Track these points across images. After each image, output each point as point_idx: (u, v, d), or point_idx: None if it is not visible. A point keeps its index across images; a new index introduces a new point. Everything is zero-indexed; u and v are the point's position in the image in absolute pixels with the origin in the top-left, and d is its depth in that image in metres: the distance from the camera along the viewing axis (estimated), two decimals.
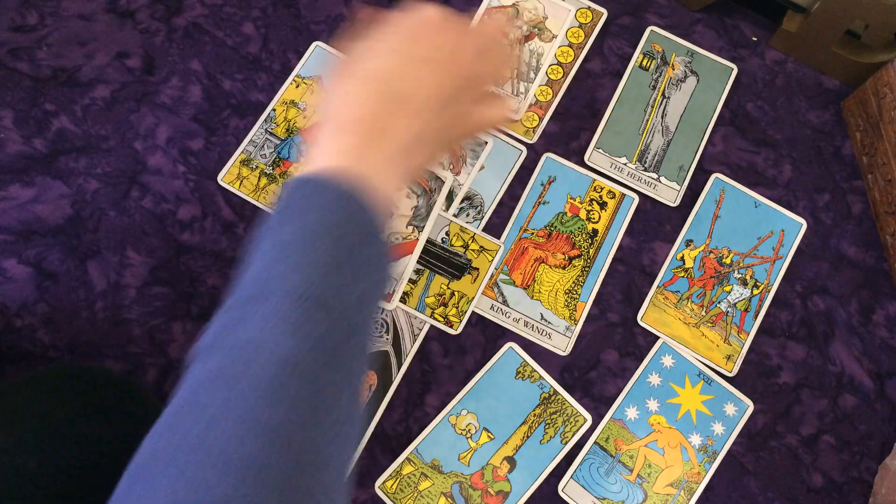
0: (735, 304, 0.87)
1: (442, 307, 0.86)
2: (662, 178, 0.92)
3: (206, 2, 0.94)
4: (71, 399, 0.60)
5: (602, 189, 0.91)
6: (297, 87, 0.92)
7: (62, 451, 0.56)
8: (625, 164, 0.92)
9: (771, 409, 0.85)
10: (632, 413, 0.84)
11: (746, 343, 0.86)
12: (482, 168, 0.91)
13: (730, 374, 0.85)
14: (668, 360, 0.86)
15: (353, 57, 0.53)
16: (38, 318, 0.83)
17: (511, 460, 0.82)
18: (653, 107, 0.94)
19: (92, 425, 0.59)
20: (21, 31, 0.91)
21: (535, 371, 0.85)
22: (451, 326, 0.85)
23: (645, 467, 0.82)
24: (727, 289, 0.88)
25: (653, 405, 0.84)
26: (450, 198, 0.89)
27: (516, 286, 0.87)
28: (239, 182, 0.88)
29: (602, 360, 0.86)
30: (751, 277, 0.88)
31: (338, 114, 0.51)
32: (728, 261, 0.89)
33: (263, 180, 0.89)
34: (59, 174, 0.87)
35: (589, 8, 0.97)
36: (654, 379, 0.85)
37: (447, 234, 0.88)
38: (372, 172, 0.48)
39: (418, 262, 0.87)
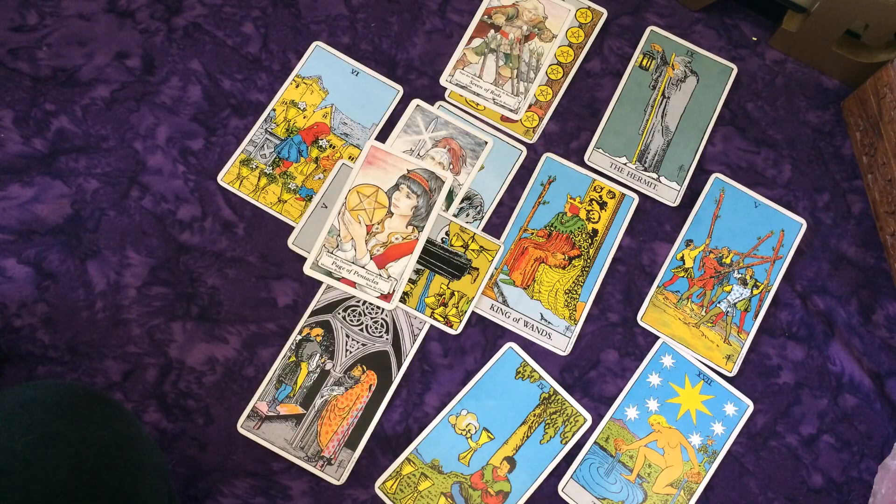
0: (735, 304, 0.87)
1: (442, 307, 0.86)
2: (662, 178, 0.92)
3: (206, 2, 0.94)
4: (28, 428, 0.56)
5: (602, 189, 0.91)
6: (297, 86, 0.92)
7: (18, 485, 0.53)
8: (625, 164, 0.92)
9: (771, 409, 0.85)
10: (632, 413, 0.84)
11: (746, 343, 0.86)
12: (482, 168, 0.91)
13: (730, 374, 0.85)
14: (668, 360, 0.86)
15: None
16: (38, 318, 0.82)
17: (511, 460, 0.82)
18: (653, 107, 0.94)
19: (50, 457, 0.55)
20: (21, 31, 0.91)
21: (535, 371, 0.85)
22: (451, 326, 0.85)
23: (645, 467, 0.82)
24: (727, 289, 0.88)
25: (653, 405, 0.84)
26: (450, 198, 0.89)
27: (516, 286, 0.87)
28: (239, 182, 0.88)
29: (602, 360, 0.86)
30: (751, 277, 0.88)
31: None
32: (728, 261, 0.89)
33: (263, 180, 0.89)
34: (59, 174, 0.87)
35: (589, 8, 0.97)
36: (654, 379, 0.85)
37: (447, 234, 0.88)
38: None
39: (418, 262, 0.87)
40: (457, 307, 0.86)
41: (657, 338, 0.87)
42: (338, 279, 0.85)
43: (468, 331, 0.86)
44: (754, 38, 0.98)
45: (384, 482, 0.81)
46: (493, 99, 0.93)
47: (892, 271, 0.90)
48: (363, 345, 0.84)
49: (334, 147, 0.91)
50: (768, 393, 0.86)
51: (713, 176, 0.91)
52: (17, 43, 0.91)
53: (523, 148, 0.92)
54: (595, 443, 0.83)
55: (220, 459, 0.81)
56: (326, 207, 0.88)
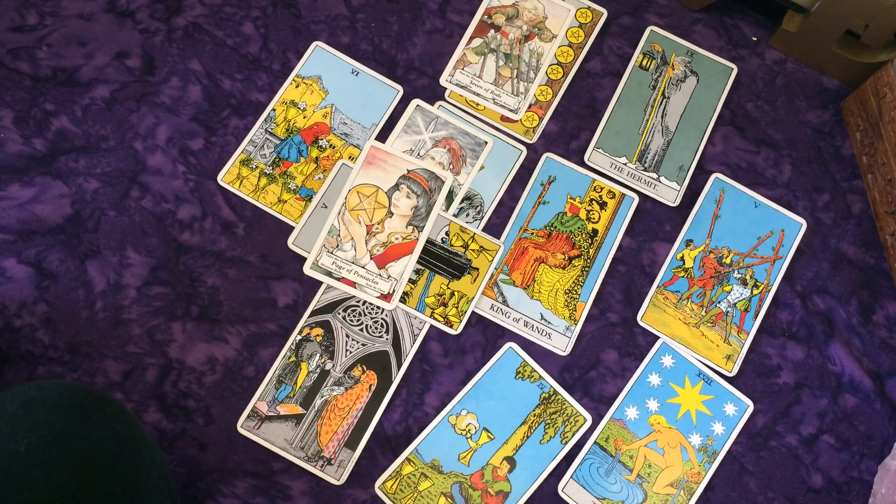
0: (735, 304, 0.87)
1: (442, 307, 0.86)
2: (662, 178, 0.92)
3: (206, 1, 0.94)
4: (30, 429, 0.56)
5: (602, 189, 0.91)
6: (297, 86, 0.92)
7: (21, 486, 0.53)
8: (625, 164, 0.92)
9: (771, 409, 0.85)
10: (632, 413, 0.84)
11: (746, 343, 0.86)
12: (482, 168, 0.91)
13: (730, 374, 0.85)
14: (668, 360, 0.86)
15: None
16: (38, 318, 0.82)
17: (511, 460, 0.82)
18: (653, 107, 0.94)
19: (53, 458, 0.55)
20: (21, 31, 0.91)
21: (535, 371, 0.85)
22: (451, 326, 0.85)
23: (645, 467, 0.82)
24: (727, 289, 0.88)
25: (653, 405, 0.84)
26: (450, 198, 0.89)
27: (516, 286, 0.87)
28: (239, 182, 0.88)
29: (602, 360, 0.86)
30: (751, 277, 0.88)
31: None
32: (728, 261, 0.89)
33: (263, 180, 0.89)
34: (59, 174, 0.87)
35: (589, 8, 0.97)
36: (654, 379, 0.85)
37: (447, 234, 0.88)
38: None
39: (418, 262, 0.87)
40: (457, 307, 0.86)
41: (657, 338, 0.87)
42: (338, 279, 0.85)
43: (468, 331, 0.86)
44: (754, 38, 0.98)
45: (384, 482, 0.81)
46: (493, 99, 0.93)
47: (892, 271, 0.90)
48: (363, 345, 0.84)
49: (334, 147, 0.91)
50: (768, 393, 0.86)
51: (713, 176, 0.91)
52: (17, 43, 0.91)
53: (523, 148, 0.92)
54: (595, 443, 0.83)
55: (220, 459, 0.81)
56: (326, 207, 0.88)
